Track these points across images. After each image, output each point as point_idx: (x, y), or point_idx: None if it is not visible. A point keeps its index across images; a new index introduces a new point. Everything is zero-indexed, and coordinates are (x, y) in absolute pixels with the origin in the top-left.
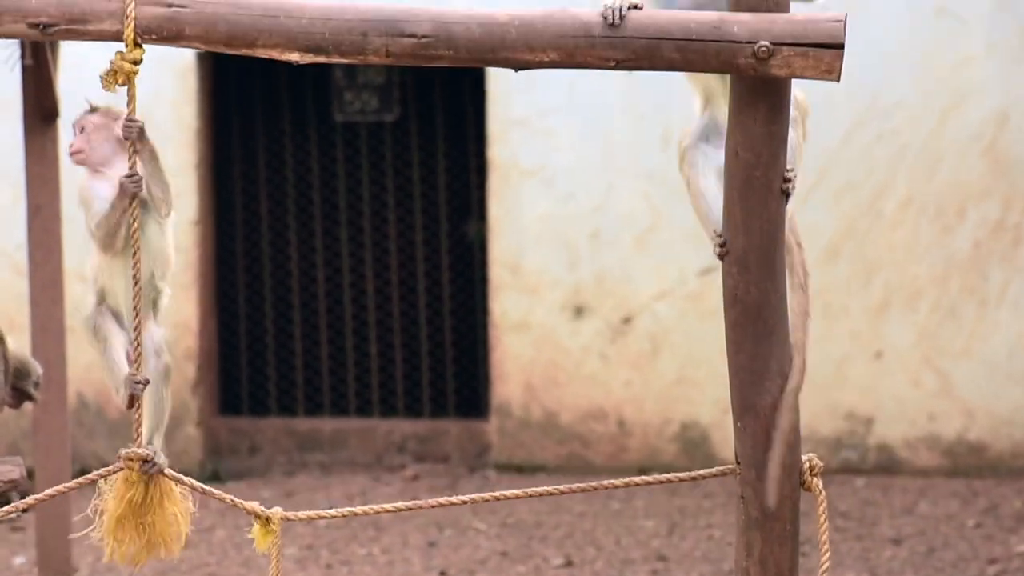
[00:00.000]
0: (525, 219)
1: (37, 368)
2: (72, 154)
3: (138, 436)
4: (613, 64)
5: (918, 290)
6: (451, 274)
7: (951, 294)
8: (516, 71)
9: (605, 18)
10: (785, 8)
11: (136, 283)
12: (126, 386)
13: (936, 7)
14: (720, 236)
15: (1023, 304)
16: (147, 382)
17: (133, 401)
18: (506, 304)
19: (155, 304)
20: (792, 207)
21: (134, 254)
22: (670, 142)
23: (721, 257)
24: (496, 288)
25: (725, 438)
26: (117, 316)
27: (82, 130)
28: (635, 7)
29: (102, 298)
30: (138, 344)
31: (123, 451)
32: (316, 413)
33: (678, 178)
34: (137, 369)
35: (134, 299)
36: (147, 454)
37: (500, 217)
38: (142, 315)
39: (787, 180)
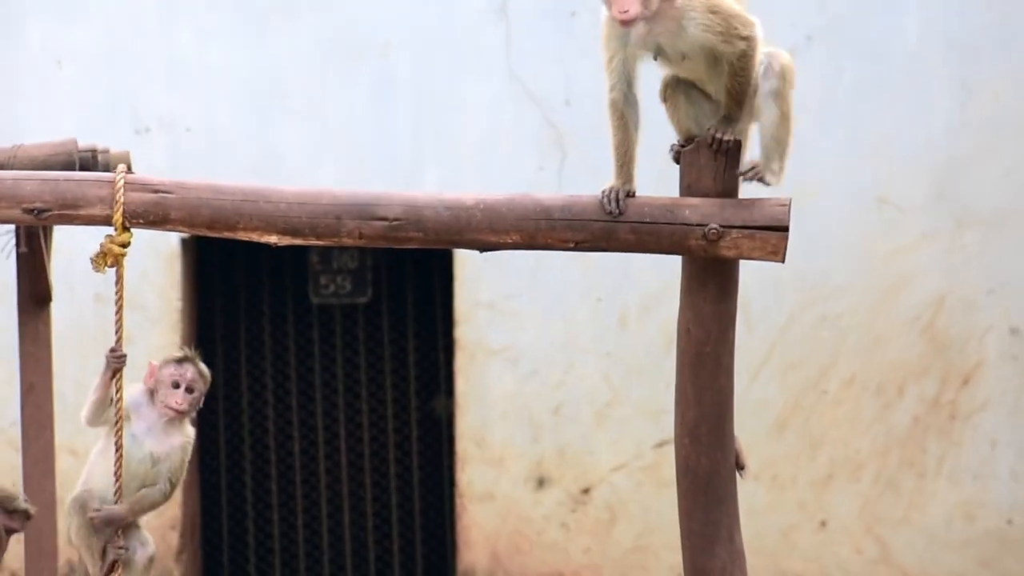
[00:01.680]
0: (491, 395)
1: (18, 496)
2: (177, 411)
3: None
4: (572, 245)
5: (860, 463)
6: (420, 447)
7: (891, 466)
8: (481, 252)
9: (605, 207)
10: (734, 193)
11: (118, 450)
12: (109, 552)
13: (877, 197)
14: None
15: (959, 476)
16: (127, 548)
17: (113, 568)
18: (472, 475)
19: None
20: (742, 385)
21: (116, 422)
22: (627, 323)
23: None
24: (463, 460)
25: None
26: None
27: (190, 391)
28: (630, 195)
29: (89, 482)
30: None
31: None
32: None
33: (635, 357)
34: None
35: (116, 472)
36: None
37: (467, 393)
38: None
39: (755, 168)
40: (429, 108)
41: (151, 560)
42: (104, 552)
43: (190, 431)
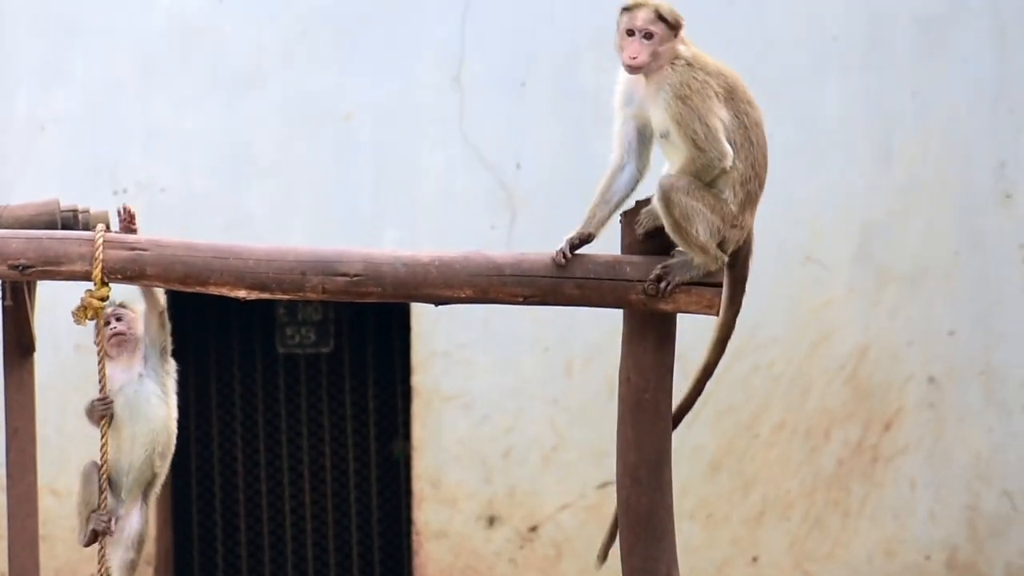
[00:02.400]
0: (445, 439)
1: None
2: (115, 335)
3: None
4: (521, 300)
5: (790, 502)
6: (379, 487)
7: (818, 506)
8: (436, 306)
9: (555, 259)
10: (670, 251)
11: (102, 492)
12: (91, 521)
13: (804, 256)
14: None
15: (881, 515)
16: (111, 519)
17: (95, 537)
18: (428, 514)
19: (149, 486)
20: (680, 429)
21: (102, 456)
22: (572, 372)
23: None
24: (419, 500)
25: None
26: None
27: (118, 319)
28: (585, 239)
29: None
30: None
31: None
32: None
33: (579, 404)
34: (104, 503)
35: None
36: None
37: (423, 437)
38: (129, 501)
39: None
40: (388, 171)
41: (139, 538)
42: (87, 520)
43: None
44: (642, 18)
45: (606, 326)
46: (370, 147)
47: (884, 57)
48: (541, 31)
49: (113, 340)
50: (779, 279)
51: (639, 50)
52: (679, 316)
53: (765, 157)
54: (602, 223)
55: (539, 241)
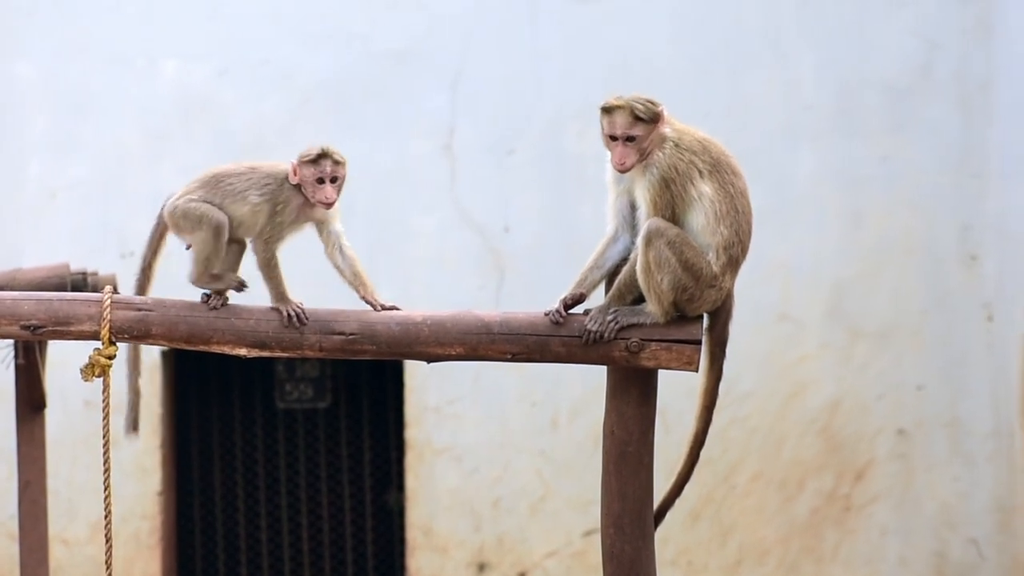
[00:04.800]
0: (437, 490)
1: None
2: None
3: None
4: (509, 357)
5: (766, 549)
6: (374, 535)
7: (793, 553)
8: (429, 363)
9: (551, 317)
10: None
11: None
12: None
13: (778, 314)
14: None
15: (853, 561)
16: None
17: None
18: (421, 562)
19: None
20: (661, 480)
21: (107, 511)
22: (559, 425)
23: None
24: (412, 548)
25: None
26: None
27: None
28: (577, 299)
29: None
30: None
31: None
32: None
33: (565, 456)
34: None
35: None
36: None
37: (416, 488)
38: None
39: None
40: (382, 235)
41: None
42: (220, 277)
43: None
44: (621, 124)
45: (591, 382)
46: (366, 211)
47: (854, 124)
48: (528, 101)
49: (324, 206)
50: (755, 336)
51: (624, 154)
52: (660, 372)
53: (749, 224)
54: (594, 286)
55: (526, 300)
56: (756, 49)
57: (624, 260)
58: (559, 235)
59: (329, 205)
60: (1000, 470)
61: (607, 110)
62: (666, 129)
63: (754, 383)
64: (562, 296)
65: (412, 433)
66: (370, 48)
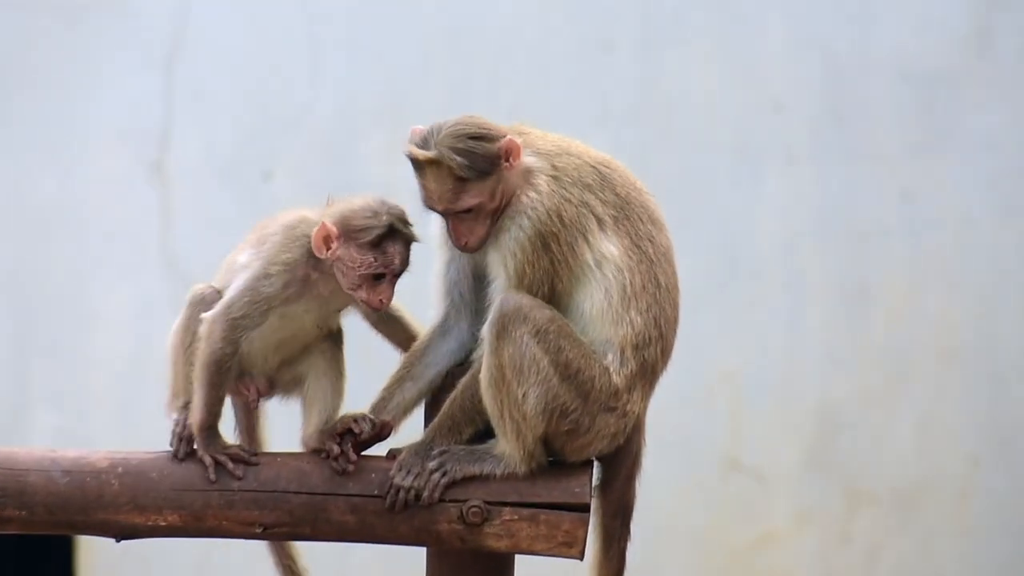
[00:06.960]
0: None
1: None
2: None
3: None
4: (259, 530)
5: None
6: None
7: None
8: (118, 541)
9: (333, 465)
10: None
11: None
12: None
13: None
14: None
15: None
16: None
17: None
18: None
19: None
20: None
21: None
22: None
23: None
24: None
25: None
26: None
27: None
28: (378, 432)
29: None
30: None
31: None
32: None
33: None
34: None
35: None
36: None
37: None
38: None
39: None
40: None
41: None
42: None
43: None
44: (438, 193)
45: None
46: None
47: None
48: None
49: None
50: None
51: (464, 233)
52: (521, 560)
53: (675, 306)
54: (406, 410)
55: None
56: None
57: (459, 365)
58: None
59: (379, 309)
60: None
61: (415, 166)
62: (529, 159)
63: None
64: (350, 424)
65: None
66: None
